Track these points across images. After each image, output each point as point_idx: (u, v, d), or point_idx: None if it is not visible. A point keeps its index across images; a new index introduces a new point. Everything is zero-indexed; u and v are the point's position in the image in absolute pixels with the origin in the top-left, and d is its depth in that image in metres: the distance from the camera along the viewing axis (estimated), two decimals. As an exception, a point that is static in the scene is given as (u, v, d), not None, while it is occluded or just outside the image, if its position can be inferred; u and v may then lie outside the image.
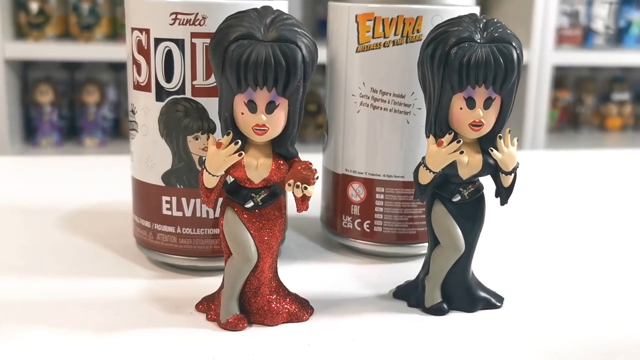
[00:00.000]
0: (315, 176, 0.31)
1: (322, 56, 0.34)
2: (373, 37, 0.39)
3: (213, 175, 0.32)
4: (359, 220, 0.42)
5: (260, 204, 0.33)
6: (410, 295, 0.37)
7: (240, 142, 0.31)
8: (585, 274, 0.42)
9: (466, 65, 0.32)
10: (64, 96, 1.42)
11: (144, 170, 0.39)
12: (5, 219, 0.49)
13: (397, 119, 0.40)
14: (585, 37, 1.57)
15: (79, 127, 1.40)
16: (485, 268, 0.39)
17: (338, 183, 0.43)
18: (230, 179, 0.33)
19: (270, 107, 0.31)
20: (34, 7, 1.31)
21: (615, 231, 0.50)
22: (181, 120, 0.37)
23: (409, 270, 0.39)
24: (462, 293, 0.36)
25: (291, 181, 0.31)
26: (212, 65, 0.31)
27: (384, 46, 0.39)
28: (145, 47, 0.37)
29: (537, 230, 0.50)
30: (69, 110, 1.43)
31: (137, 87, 0.38)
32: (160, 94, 0.37)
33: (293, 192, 0.31)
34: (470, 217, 0.35)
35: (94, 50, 1.28)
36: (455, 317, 0.35)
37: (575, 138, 1.67)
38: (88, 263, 0.41)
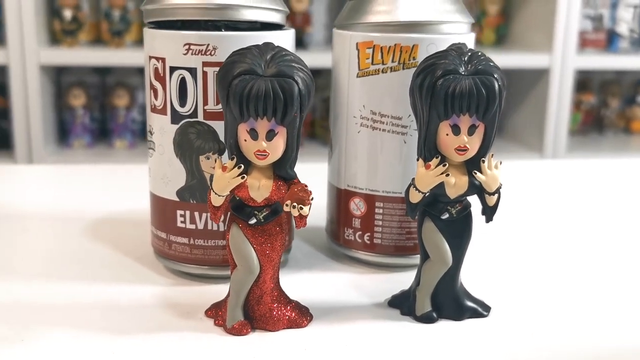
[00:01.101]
0: (310, 197, 0.34)
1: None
2: (372, 64, 0.42)
3: (219, 195, 0.35)
4: (360, 232, 0.45)
5: (262, 220, 0.36)
6: (403, 304, 0.40)
7: (242, 167, 0.34)
8: (585, 287, 0.44)
9: (451, 95, 0.35)
10: (96, 100, 1.47)
11: (161, 186, 0.42)
12: (35, 226, 0.53)
13: (394, 139, 0.43)
14: (610, 41, 1.58)
15: (109, 130, 1.45)
16: (495, 278, 0.42)
17: (341, 197, 0.46)
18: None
19: (270, 135, 0.34)
20: (68, 14, 1.36)
21: (624, 241, 0.53)
22: (194, 142, 0.41)
23: (406, 280, 0.42)
24: (451, 303, 0.39)
25: (288, 202, 0.34)
26: (219, 96, 0.35)
27: (382, 72, 0.42)
28: (162, 74, 0.41)
29: (547, 241, 0.52)
30: (100, 113, 1.48)
31: (154, 110, 0.42)
32: (175, 117, 0.41)
33: (290, 211, 0.34)
34: (458, 233, 0.38)
35: (124, 56, 1.33)
36: (444, 325, 0.38)
37: (599, 141, 1.68)
38: (109, 270, 0.45)
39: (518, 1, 1.59)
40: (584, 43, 1.54)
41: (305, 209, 0.34)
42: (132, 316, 0.38)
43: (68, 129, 1.43)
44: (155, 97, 0.41)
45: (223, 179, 0.35)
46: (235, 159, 0.35)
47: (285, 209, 0.34)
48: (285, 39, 0.41)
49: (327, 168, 0.48)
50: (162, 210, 0.43)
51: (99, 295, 0.41)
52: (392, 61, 0.42)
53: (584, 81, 1.66)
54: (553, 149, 1.50)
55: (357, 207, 0.45)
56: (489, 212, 0.38)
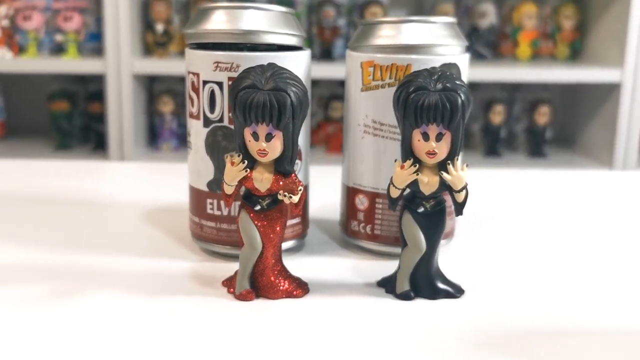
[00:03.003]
0: (299, 188, 0.42)
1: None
2: (373, 80, 0.50)
3: (229, 185, 0.43)
4: (364, 224, 0.52)
5: (265, 207, 0.44)
6: (388, 284, 0.47)
7: (247, 162, 0.43)
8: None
9: (420, 107, 0.42)
10: (183, 107, 1.59)
11: (195, 178, 0.51)
12: (105, 211, 0.63)
13: (392, 144, 0.50)
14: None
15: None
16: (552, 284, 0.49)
17: (348, 194, 0.53)
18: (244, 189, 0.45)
19: (269, 137, 0.42)
20: (160, 28, 1.49)
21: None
22: (221, 142, 0.49)
23: (399, 266, 0.49)
24: (426, 284, 0.46)
25: (281, 191, 0.42)
26: (230, 105, 0.43)
27: (382, 87, 0.50)
28: (197, 87, 0.49)
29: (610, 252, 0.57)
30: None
31: (191, 116, 0.51)
32: (206, 121, 0.49)
33: (283, 199, 0.42)
34: (432, 225, 0.45)
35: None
36: (419, 303, 0.45)
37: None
38: (155, 247, 0.54)
39: (593, 16, 1.61)
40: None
41: (295, 197, 0.42)
42: (166, 283, 0.47)
43: (157, 133, 1.56)
44: (192, 105, 0.50)
45: (231, 171, 0.43)
46: (241, 156, 0.43)
47: (279, 197, 0.42)
48: (298, 59, 0.49)
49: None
50: (196, 198, 0.52)
51: (144, 266, 0.50)
52: (390, 78, 0.49)
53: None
54: (623, 163, 1.52)
55: (361, 202, 0.52)
56: (458, 208, 0.44)
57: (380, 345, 0.39)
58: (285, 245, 0.52)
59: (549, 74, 1.54)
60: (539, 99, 1.66)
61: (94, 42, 1.54)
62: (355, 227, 0.53)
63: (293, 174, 0.44)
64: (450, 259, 0.52)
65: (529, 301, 0.46)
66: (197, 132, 0.50)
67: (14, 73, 1.54)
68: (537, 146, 1.64)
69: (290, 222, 0.51)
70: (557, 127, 1.74)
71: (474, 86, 1.64)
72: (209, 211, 0.51)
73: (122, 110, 1.45)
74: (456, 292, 0.46)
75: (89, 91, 1.61)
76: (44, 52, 1.54)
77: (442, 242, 0.53)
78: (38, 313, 0.42)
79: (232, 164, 0.43)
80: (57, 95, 1.59)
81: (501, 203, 0.70)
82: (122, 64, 1.43)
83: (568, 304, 0.46)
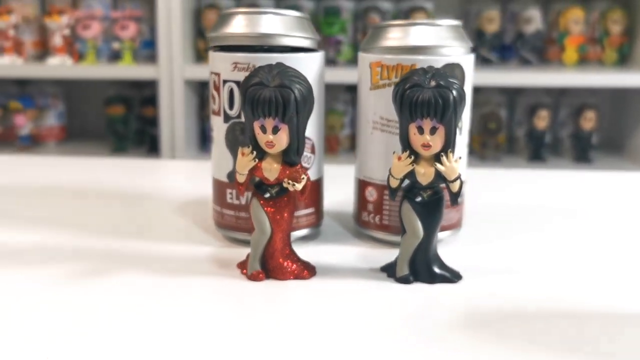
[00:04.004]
0: (302, 177, 0.46)
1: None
2: (381, 79, 0.53)
3: (241, 174, 0.47)
4: (373, 214, 0.56)
5: (274, 195, 0.48)
6: (390, 269, 0.50)
7: (255, 152, 0.47)
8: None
9: (414, 103, 0.45)
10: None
11: (217, 170, 0.56)
12: (139, 204, 0.68)
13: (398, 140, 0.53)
14: None
15: (242, 138, 1.63)
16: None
17: (360, 186, 0.57)
18: (256, 179, 0.49)
19: (275, 130, 0.46)
20: (210, 35, 1.55)
21: None
22: (238, 137, 0.53)
23: (404, 254, 0.52)
24: (424, 270, 0.49)
25: (285, 179, 0.46)
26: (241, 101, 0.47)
27: (388, 86, 0.53)
28: (218, 86, 0.54)
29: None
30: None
31: (214, 112, 0.55)
32: (226, 118, 0.54)
33: (287, 187, 0.46)
34: (430, 214, 0.48)
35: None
36: (416, 287, 0.48)
37: None
38: (183, 234, 0.59)
39: (641, 21, 1.60)
40: None
41: (298, 185, 0.46)
42: (187, 265, 0.52)
43: (208, 137, 1.63)
44: (214, 103, 0.55)
45: (242, 161, 0.47)
46: (251, 147, 0.47)
47: (284, 184, 0.46)
48: (310, 60, 0.53)
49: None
50: (217, 189, 0.56)
51: (170, 251, 0.55)
52: (396, 77, 0.53)
53: None
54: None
55: (371, 194, 0.56)
56: (453, 197, 0.47)
57: (372, 323, 0.43)
58: (299, 233, 0.56)
59: (596, 79, 1.54)
60: (585, 104, 1.66)
61: (148, 50, 1.61)
62: (366, 218, 0.57)
63: (299, 165, 0.48)
64: (468, 251, 0.55)
65: (527, 294, 0.48)
66: (218, 127, 0.55)
67: (74, 79, 1.63)
68: (583, 151, 1.64)
69: (304, 211, 0.55)
70: (604, 133, 1.74)
71: (518, 91, 1.65)
72: (229, 200, 0.55)
73: (174, 114, 1.52)
74: (453, 277, 0.49)
75: (144, 96, 1.69)
76: (101, 59, 1.62)
77: (448, 232, 0.56)
78: (71, 289, 0.47)
79: (243, 154, 0.47)
80: (113, 100, 1.66)
81: (541, 203, 0.72)
82: (174, 70, 1.49)
83: (570, 305, 0.48)
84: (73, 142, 1.76)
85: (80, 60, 1.60)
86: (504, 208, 0.68)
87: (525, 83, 1.58)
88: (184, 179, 0.83)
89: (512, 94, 1.72)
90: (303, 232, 0.56)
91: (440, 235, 0.56)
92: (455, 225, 0.57)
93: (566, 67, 1.64)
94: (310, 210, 0.56)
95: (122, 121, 1.67)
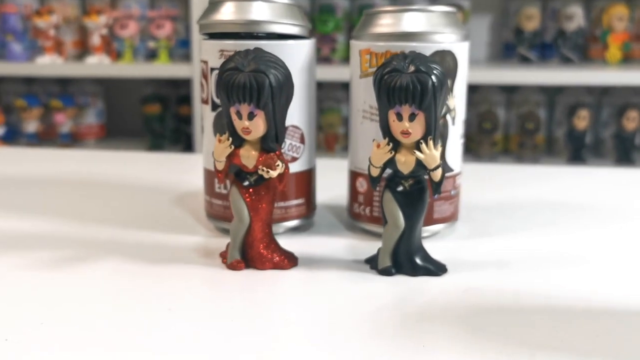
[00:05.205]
0: (276, 163, 0.45)
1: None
2: (370, 67, 0.52)
3: (218, 161, 0.47)
4: (363, 206, 0.55)
5: (252, 183, 0.47)
6: (373, 261, 0.49)
7: (231, 139, 0.46)
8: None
9: (392, 88, 0.44)
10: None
11: (206, 159, 0.55)
12: (137, 196, 0.68)
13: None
14: None
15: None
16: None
17: (351, 177, 0.55)
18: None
19: (251, 116, 0.45)
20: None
21: None
22: (225, 125, 0.53)
23: (393, 247, 0.51)
24: (407, 262, 0.47)
25: (260, 166, 0.45)
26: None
27: (377, 73, 0.52)
28: (206, 74, 0.53)
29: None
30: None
31: (203, 101, 0.55)
32: (214, 106, 0.53)
33: (262, 174, 0.45)
34: (412, 204, 0.47)
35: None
36: (397, 278, 0.47)
37: None
38: (175, 224, 0.58)
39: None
40: None
41: (272, 172, 0.45)
42: (171, 254, 0.51)
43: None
44: (203, 91, 0.54)
45: (219, 148, 0.46)
46: (227, 133, 0.46)
47: (259, 171, 0.46)
48: (299, 47, 0.52)
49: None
50: (207, 178, 0.56)
51: (160, 239, 0.54)
52: (384, 65, 0.51)
53: None
54: None
55: (361, 185, 0.54)
56: (435, 187, 0.46)
57: (345, 314, 0.42)
58: (290, 223, 0.55)
59: (640, 77, 1.49)
60: (628, 103, 1.61)
61: (183, 48, 1.63)
62: (357, 210, 0.55)
63: (277, 152, 0.47)
64: (461, 245, 0.54)
65: (512, 290, 0.47)
66: (206, 115, 0.54)
67: (111, 78, 1.66)
68: (625, 152, 1.59)
69: (294, 202, 0.54)
70: (649, 133, 1.68)
71: (558, 90, 1.61)
72: (217, 190, 0.55)
73: (207, 112, 1.52)
74: (437, 270, 0.48)
75: (180, 95, 1.70)
76: (138, 58, 1.64)
77: (443, 225, 0.54)
78: (49, 276, 0.47)
79: (220, 141, 0.46)
80: (150, 99, 1.69)
81: (554, 200, 0.69)
82: (207, 68, 1.50)
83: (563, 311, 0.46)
84: (112, 140, 1.79)
85: (117, 59, 1.63)
86: (512, 204, 0.66)
87: (566, 82, 1.54)
88: (177, 171, 0.82)
89: (552, 93, 1.68)
90: (293, 222, 0.55)
91: (435, 228, 0.54)
92: (449, 219, 0.55)
93: (609, 66, 1.59)
94: (300, 200, 0.55)
95: (158, 120, 1.69)
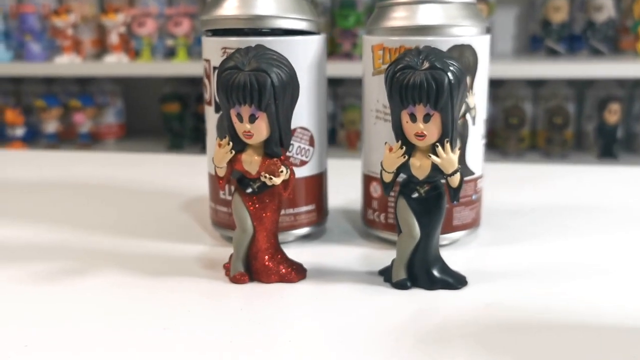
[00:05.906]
0: (280, 170, 0.42)
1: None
2: (383, 63, 0.48)
3: (219, 167, 0.44)
4: (378, 212, 0.51)
5: (256, 190, 0.44)
6: (387, 272, 0.45)
7: (232, 143, 0.43)
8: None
9: (405, 87, 0.40)
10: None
11: (210, 164, 0.52)
12: (146, 200, 0.66)
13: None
14: None
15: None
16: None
17: (365, 182, 0.52)
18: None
19: (252, 119, 0.42)
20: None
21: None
22: (229, 127, 0.49)
23: (410, 256, 0.47)
24: (423, 274, 0.44)
25: (262, 172, 0.42)
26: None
27: (391, 70, 0.48)
28: (208, 73, 0.50)
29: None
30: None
31: (206, 102, 0.51)
32: (217, 107, 0.50)
33: (264, 181, 0.42)
34: (428, 212, 0.43)
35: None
36: (413, 292, 0.43)
37: None
38: (181, 231, 0.55)
39: None
40: None
41: (275, 179, 0.42)
42: (175, 264, 0.48)
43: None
44: (206, 92, 0.51)
45: (219, 153, 0.43)
46: (228, 138, 0.43)
47: (261, 178, 0.42)
48: (307, 43, 0.49)
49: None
50: (212, 184, 0.52)
51: (163, 249, 0.51)
52: (398, 61, 0.47)
53: None
54: None
55: (375, 190, 0.51)
56: (453, 193, 0.42)
57: (355, 333, 0.38)
58: (300, 231, 0.51)
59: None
60: (661, 96, 1.55)
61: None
62: (371, 216, 0.52)
63: (282, 157, 0.43)
64: (483, 254, 0.50)
65: (536, 305, 0.43)
66: (210, 117, 0.51)
67: (130, 76, 1.64)
68: (658, 147, 1.53)
69: (304, 208, 0.51)
70: (683, 127, 1.62)
71: (587, 84, 1.56)
72: (222, 196, 0.51)
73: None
74: (456, 283, 0.44)
75: (199, 93, 1.68)
76: (156, 56, 1.62)
77: (463, 233, 0.51)
78: (43, 290, 0.45)
79: (220, 146, 0.43)
80: (169, 98, 1.66)
81: (583, 202, 0.65)
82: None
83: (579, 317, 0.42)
84: (131, 140, 1.77)
85: (136, 57, 1.61)
86: (540, 206, 0.62)
87: (596, 75, 1.48)
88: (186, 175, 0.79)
89: (581, 86, 1.62)
90: (303, 230, 0.52)
91: (454, 235, 0.51)
92: (470, 225, 0.51)
93: (641, 57, 1.54)
94: (310, 207, 0.52)
95: (177, 118, 1.67)
